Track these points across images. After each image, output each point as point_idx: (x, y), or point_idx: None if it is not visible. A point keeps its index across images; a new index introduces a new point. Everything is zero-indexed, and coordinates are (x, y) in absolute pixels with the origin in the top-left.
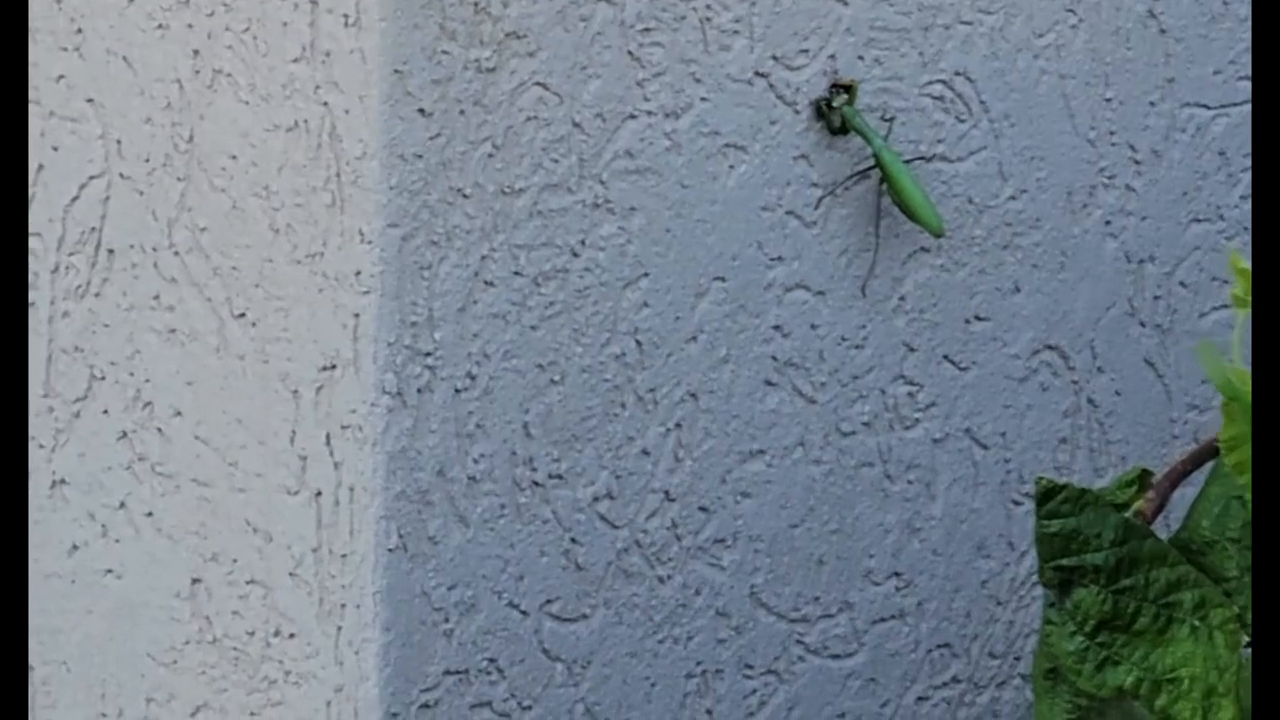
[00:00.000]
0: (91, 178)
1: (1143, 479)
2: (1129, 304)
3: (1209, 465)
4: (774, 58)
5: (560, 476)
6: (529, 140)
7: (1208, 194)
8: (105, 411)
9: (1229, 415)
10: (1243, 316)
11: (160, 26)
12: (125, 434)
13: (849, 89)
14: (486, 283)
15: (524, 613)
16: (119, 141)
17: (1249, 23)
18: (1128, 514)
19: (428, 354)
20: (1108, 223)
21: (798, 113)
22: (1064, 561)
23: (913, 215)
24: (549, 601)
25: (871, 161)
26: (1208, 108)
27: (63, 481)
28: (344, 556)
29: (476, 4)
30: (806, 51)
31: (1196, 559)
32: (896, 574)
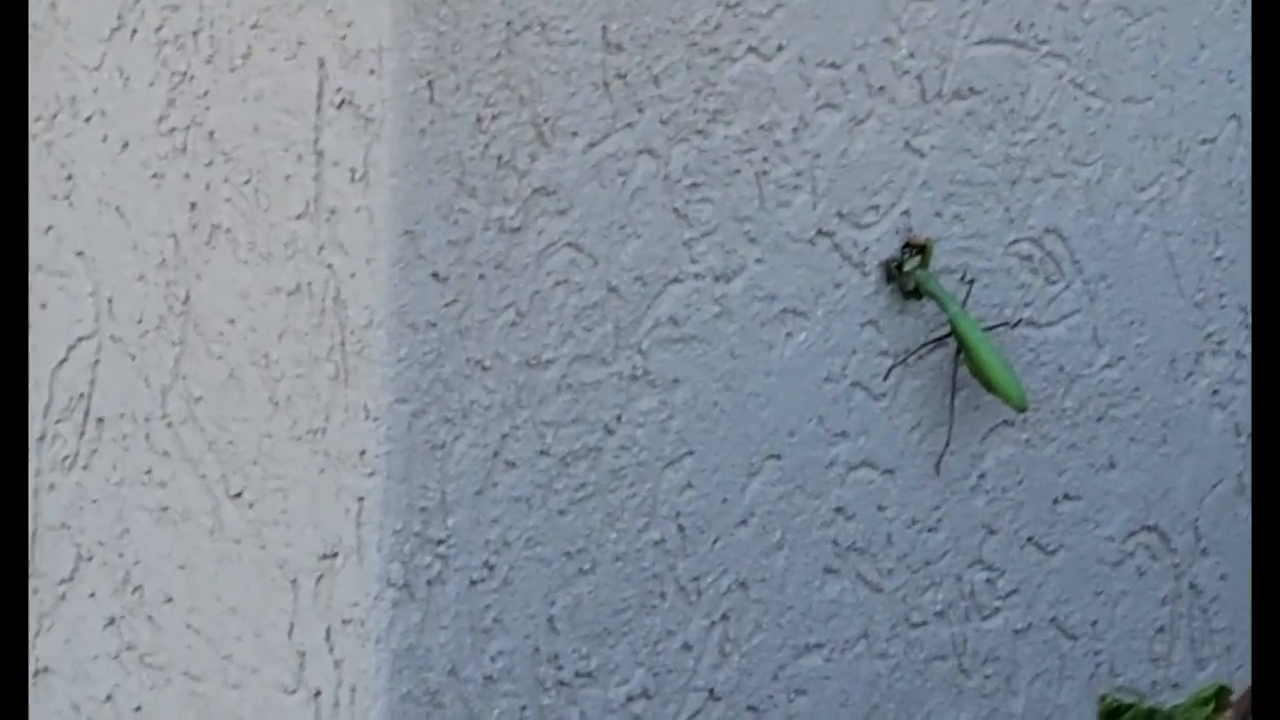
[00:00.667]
0: (81, 339)
1: (1220, 696)
2: (1238, 480)
3: None
4: (839, 214)
5: (590, 675)
6: (558, 307)
7: None
8: (92, 595)
9: None
10: None
11: (155, 175)
12: (113, 620)
13: (923, 249)
14: (508, 463)
15: None
16: (110, 300)
17: None
18: None
19: (439, 542)
20: (1215, 392)
21: (866, 274)
22: None
23: (993, 387)
24: None
25: (948, 329)
26: None
27: (46, 670)
28: None
29: (500, 158)
30: (876, 208)
31: None
32: None
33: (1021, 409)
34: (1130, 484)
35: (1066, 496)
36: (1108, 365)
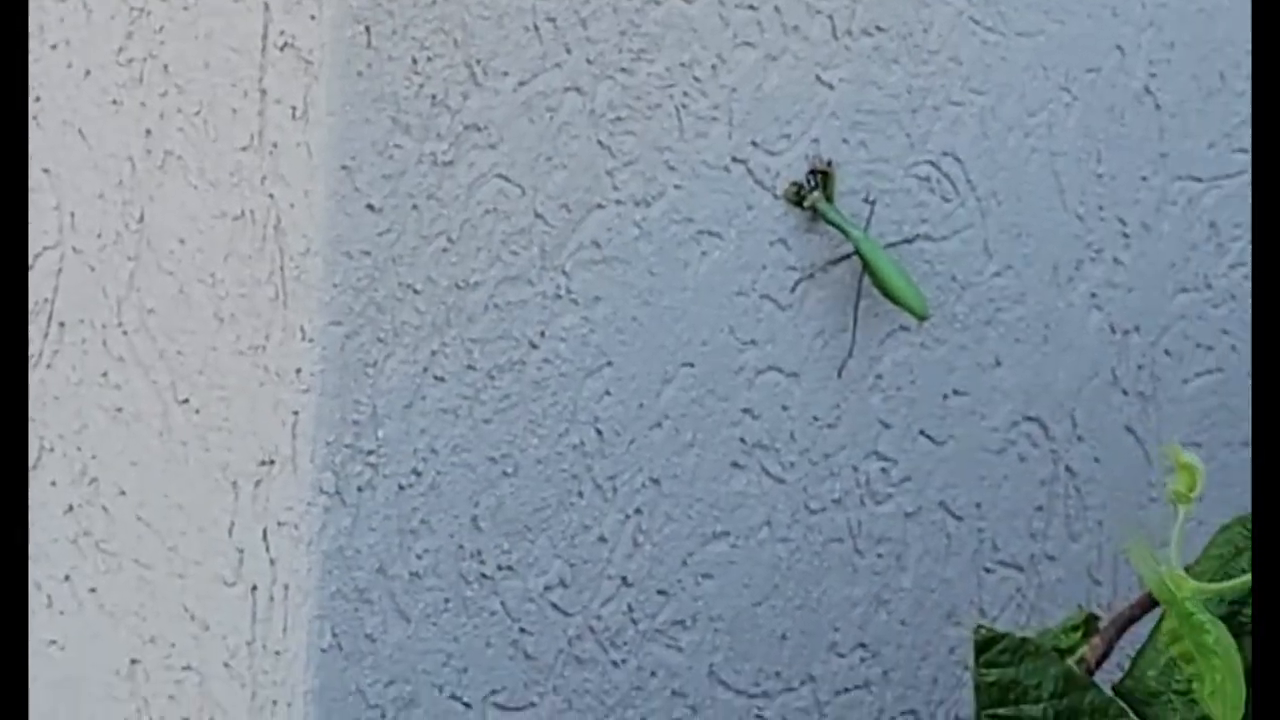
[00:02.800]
0: (46, 248)
1: (1088, 624)
2: (1112, 374)
3: (1157, 611)
4: (753, 143)
5: (510, 568)
6: (487, 234)
7: (1196, 264)
8: (53, 483)
9: (1167, 612)
10: (1183, 513)
11: (115, 102)
12: (71, 508)
13: (825, 177)
14: (436, 378)
15: (467, 704)
16: (72, 214)
17: (1246, 96)
18: (1072, 660)
19: (370, 452)
20: (1093, 295)
21: (776, 197)
22: (1001, 712)
23: (894, 298)
24: (494, 692)
25: (851, 249)
26: (1200, 180)
27: None
28: (277, 653)
29: (434, 97)
30: (788, 137)
31: (1141, 710)
32: (862, 645)
33: (922, 318)
34: (1014, 380)
35: (955, 392)
36: (996, 274)
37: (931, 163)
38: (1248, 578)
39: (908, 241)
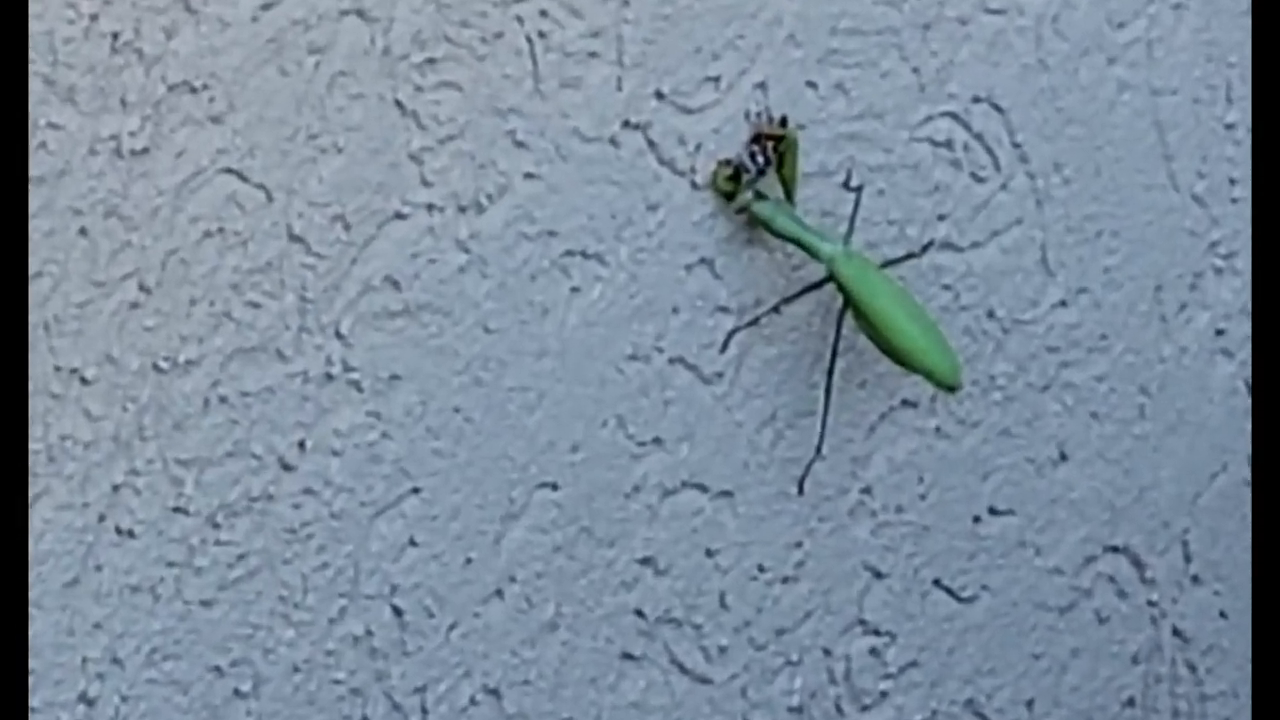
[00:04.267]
0: None
1: None
2: (1250, 467)
3: None
4: (657, 94)
5: None
6: (207, 274)
7: None
8: None
9: None
10: None
11: None
12: None
13: (777, 149)
14: (120, 531)
15: None
16: None
17: None
18: None
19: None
20: (1220, 332)
21: (696, 188)
22: None
23: (901, 356)
24: None
25: (823, 273)
26: None
27: None
28: None
29: (115, 37)
30: (715, 81)
31: None
32: None
33: (950, 387)
34: (1088, 486)
35: (993, 511)
36: (1061, 303)
37: (954, 115)
38: None
39: (915, 255)
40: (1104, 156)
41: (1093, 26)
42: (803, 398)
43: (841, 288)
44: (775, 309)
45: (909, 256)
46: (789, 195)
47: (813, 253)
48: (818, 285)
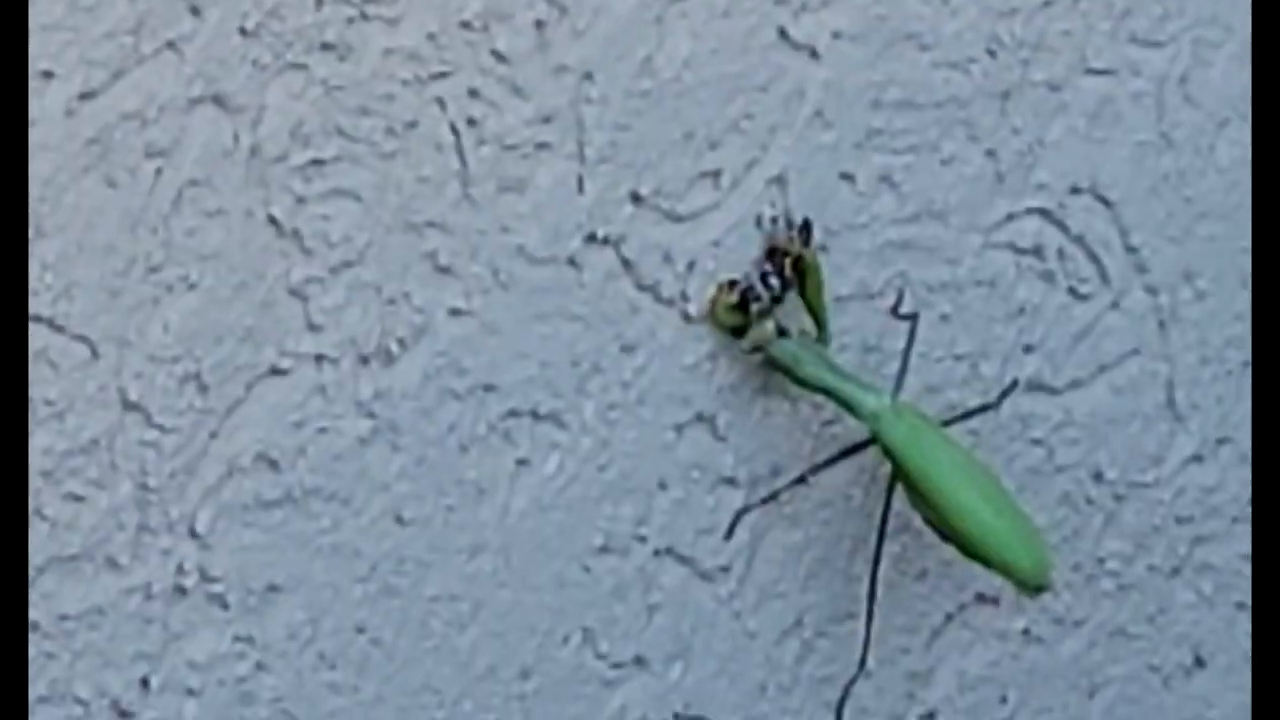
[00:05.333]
0: None
1: None
2: None
3: None
4: (633, 195)
5: None
6: None
7: None
8: None
9: None
10: None
11: None
12: None
13: (799, 266)
14: None
15: None
16: None
17: None
18: None
19: None
20: None
21: (688, 320)
22: None
23: (978, 550)
24: None
25: (865, 434)
26: None
27: None
28: None
29: None
30: (715, 177)
31: None
32: None
33: (1038, 588)
34: (1234, 700)
35: None
36: (1196, 459)
37: (1044, 212)
38: None
39: (991, 406)
40: (1249, 263)
41: (1234, 90)
42: (838, 596)
43: (889, 454)
44: (801, 480)
45: (982, 409)
46: (819, 328)
47: (851, 408)
48: (857, 449)
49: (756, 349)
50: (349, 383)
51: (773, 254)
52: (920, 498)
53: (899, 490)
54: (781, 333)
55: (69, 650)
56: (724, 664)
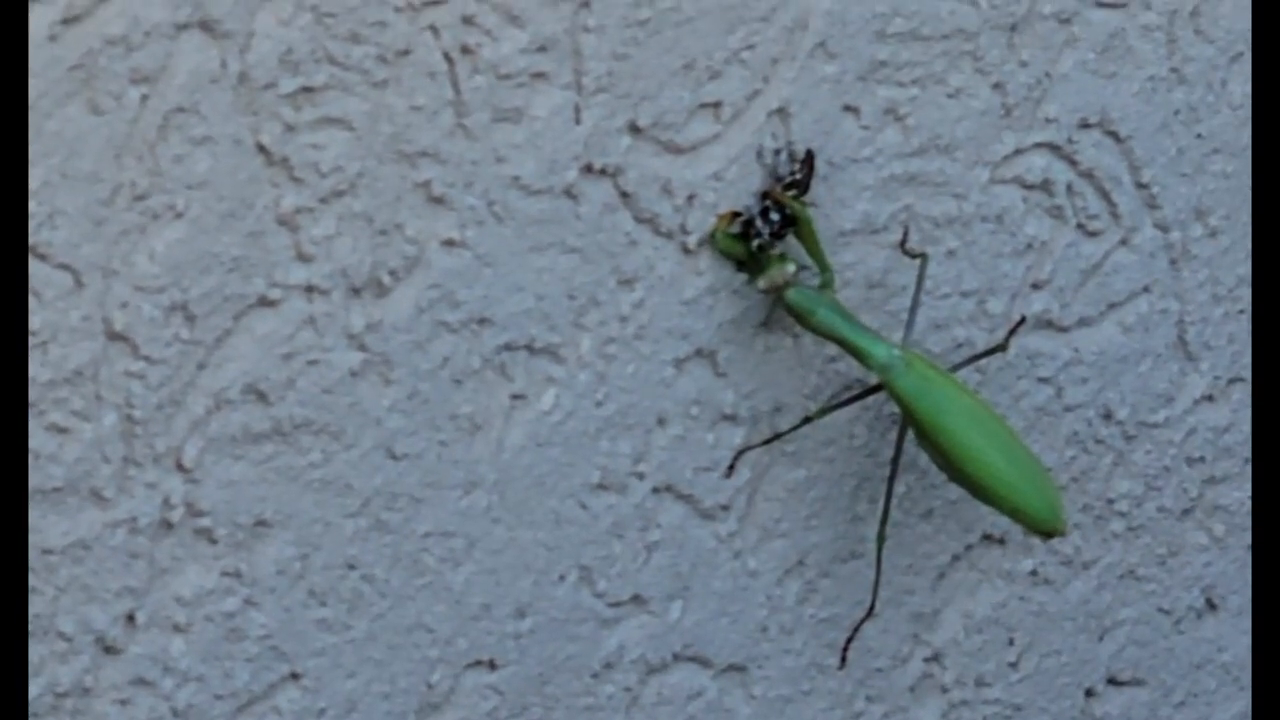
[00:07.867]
0: None
1: None
2: None
3: None
4: (632, 126)
5: None
6: None
7: None
8: None
9: None
10: None
11: None
12: None
13: (797, 183)
14: None
15: None
16: None
17: None
18: None
19: None
20: None
21: (688, 253)
22: None
23: (991, 495)
24: None
25: (873, 380)
26: None
27: None
28: None
29: None
30: (715, 108)
31: None
32: None
33: (1051, 532)
34: (1244, 643)
35: (1114, 682)
36: (1207, 398)
37: (1053, 147)
38: None
39: (999, 348)
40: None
41: (1246, 24)
42: (841, 536)
43: (900, 404)
44: (807, 421)
45: (991, 352)
46: (821, 269)
47: (861, 358)
48: (865, 394)
49: (770, 290)
50: (340, 314)
51: (765, 197)
52: (932, 446)
53: (908, 439)
54: (799, 282)
55: (52, 585)
56: (724, 604)
